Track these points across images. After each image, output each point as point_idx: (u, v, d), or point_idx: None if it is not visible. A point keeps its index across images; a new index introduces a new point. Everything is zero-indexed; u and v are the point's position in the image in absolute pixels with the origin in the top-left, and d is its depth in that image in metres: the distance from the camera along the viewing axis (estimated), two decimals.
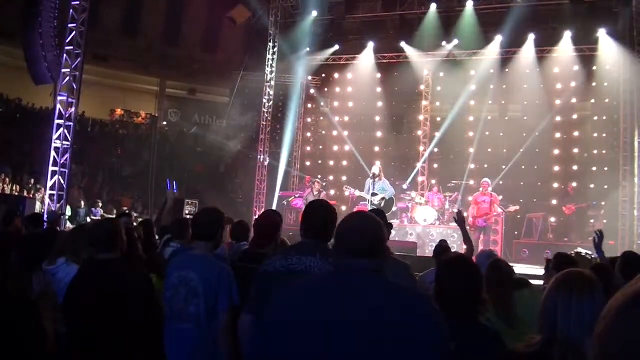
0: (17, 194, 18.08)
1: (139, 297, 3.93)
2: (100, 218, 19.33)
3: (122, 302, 3.83)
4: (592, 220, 17.69)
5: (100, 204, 20.97)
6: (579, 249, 8.10)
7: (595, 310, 2.19)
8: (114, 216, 19.38)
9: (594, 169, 19.69)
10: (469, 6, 19.01)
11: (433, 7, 19.54)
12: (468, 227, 6.90)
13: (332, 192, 21.50)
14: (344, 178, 21.77)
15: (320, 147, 24.15)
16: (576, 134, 20.47)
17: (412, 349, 2.03)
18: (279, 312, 2.26)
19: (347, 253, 2.25)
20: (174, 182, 21.70)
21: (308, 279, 2.70)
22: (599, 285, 2.34)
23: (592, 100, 20.47)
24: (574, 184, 18.73)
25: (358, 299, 2.12)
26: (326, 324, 2.08)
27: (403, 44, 20.77)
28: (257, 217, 5.67)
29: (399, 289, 2.23)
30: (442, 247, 6.96)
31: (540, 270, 7.14)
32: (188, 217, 16.12)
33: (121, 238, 4.23)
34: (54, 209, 13.91)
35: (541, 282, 6.47)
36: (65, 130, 14.29)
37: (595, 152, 20.17)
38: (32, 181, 19.37)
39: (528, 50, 19.42)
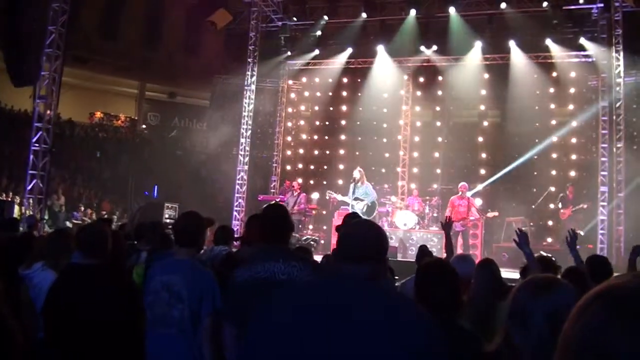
0: None
1: (120, 303, 3.91)
2: (80, 222, 19.20)
3: (103, 307, 3.81)
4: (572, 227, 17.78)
5: (83, 208, 20.84)
6: (542, 252, 8.15)
7: (554, 308, 2.21)
8: (93, 220, 19.30)
9: (572, 173, 19.86)
10: (450, 12, 19.08)
11: (413, 12, 19.60)
12: None
13: (314, 196, 21.46)
14: (325, 182, 21.81)
15: (301, 151, 24.14)
16: (554, 139, 20.59)
17: (402, 355, 2.05)
18: (271, 316, 2.27)
19: (342, 259, 2.29)
20: (154, 187, 21.64)
21: (302, 285, 2.73)
22: (559, 285, 2.35)
23: (571, 106, 20.64)
24: (552, 189, 18.89)
25: (345, 305, 2.13)
26: (312, 329, 2.10)
27: (382, 49, 20.84)
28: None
29: (391, 295, 2.26)
30: (424, 251, 7.00)
31: (517, 275, 7.26)
32: (168, 220, 16.08)
33: (107, 244, 4.21)
34: (31, 214, 13.79)
35: None
36: (45, 133, 14.19)
37: (574, 157, 20.34)
38: (12, 185, 19.19)
39: (507, 56, 19.57)
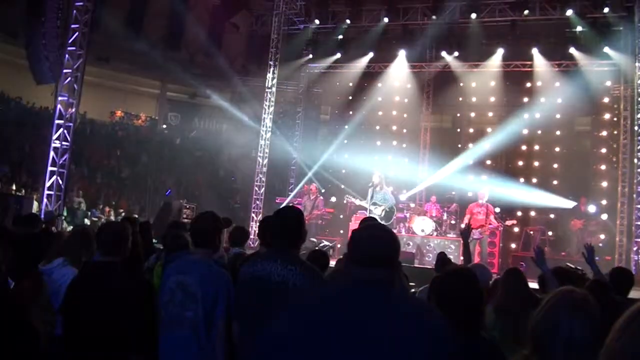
0: (14, 193, 18.02)
1: (138, 302, 3.92)
2: (96, 219, 19.32)
3: (121, 306, 3.82)
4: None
5: (102, 206, 20.97)
6: (568, 264, 8.09)
7: (589, 327, 2.17)
8: (112, 218, 19.41)
9: (592, 184, 19.69)
10: (472, 18, 19.00)
11: (433, 18, 19.51)
12: None
13: (333, 199, 21.47)
14: (342, 186, 21.76)
15: (320, 154, 24.13)
16: (575, 148, 20.46)
17: None
18: (285, 326, 2.23)
19: (357, 262, 2.25)
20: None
21: (317, 292, 2.67)
22: (592, 303, 2.31)
23: (592, 115, 20.48)
24: (571, 198, 18.80)
25: (362, 311, 2.10)
26: (329, 337, 2.06)
27: (403, 54, 20.80)
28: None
29: (409, 301, 2.23)
30: (443, 259, 6.95)
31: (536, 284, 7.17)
32: (186, 220, 16.12)
33: (127, 242, 4.22)
34: (50, 209, 13.88)
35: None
36: (65, 131, 14.27)
37: (594, 167, 20.17)
38: (31, 181, 19.33)
39: (530, 63, 19.46)
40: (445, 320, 2.16)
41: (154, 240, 7.41)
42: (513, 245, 18.41)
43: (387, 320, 2.07)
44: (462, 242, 6.57)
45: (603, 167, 19.78)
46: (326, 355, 2.05)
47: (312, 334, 2.10)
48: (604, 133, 20.08)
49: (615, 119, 19.18)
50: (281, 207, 4.44)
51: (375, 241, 2.27)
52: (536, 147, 20.76)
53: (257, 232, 6.42)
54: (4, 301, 3.33)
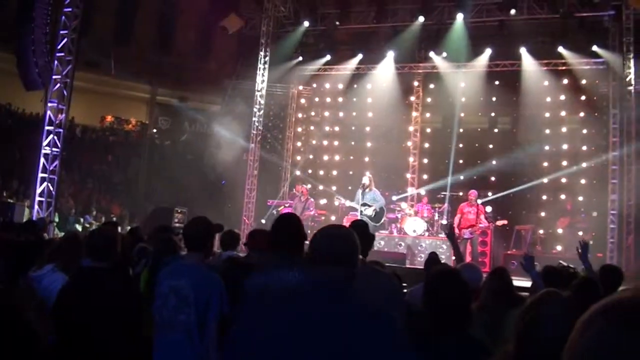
0: (6, 200, 17.95)
1: (128, 307, 3.93)
2: (88, 225, 19.28)
3: (111, 311, 3.83)
4: (580, 233, 17.79)
5: (95, 212, 20.92)
6: (561, 261, 8.14)
7: (570, 327, 2.20)
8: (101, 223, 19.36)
9: (583, 181, 19.74)
10: (459, 19, 19.05)
11: (422, 19, 19.53)
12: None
13: (323, 202, 21.51)
14: (334, 188, 21.76)
15: (310, 156, 24.13)
16: (565, 146, 20.50)
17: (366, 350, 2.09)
18: (246, 323, 2.35)
19: (317, 262, 2.34)
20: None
21: (278, 290, 2.78)
22: (575, 304, 2.35)
23: (581, 114, 20.51)
24: (562, 197, 18.87)
25: (317, 308, 2.19)
26: (284, 334, 2.15)
27: (393, 55, 20.81)
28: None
29: (358, 299, 2.28)
30: (433, 259, 6.97)
31: (527, 282, 7.19)
32: (177, 225, 16.11)
33: (117, 247, 4.24)
34: (42, 216, 13.84)
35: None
36: (55, 137, 14.23)
37: (584, 164, 20.20)
38: (22, 188, 19.26)
39: (518, 63, 19.49)
40: (390, 319, 2.24)
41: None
42: (504, 244, 18.43)
43: (328, 317, 2.16)
44: (451, 243, 6.59)
45: (593, 164, 19.82)
46: (270, 349, 2.15)
47: (267, 331, 2.20)
48: (594, 131, 20.12)
49: (604, 117, 19.22)
50: (280, 214, 4.44)
51: (328, 242, 2.38)
52: (526, 146, 20.76)
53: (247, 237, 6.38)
54: (2, 301, 3.35)
